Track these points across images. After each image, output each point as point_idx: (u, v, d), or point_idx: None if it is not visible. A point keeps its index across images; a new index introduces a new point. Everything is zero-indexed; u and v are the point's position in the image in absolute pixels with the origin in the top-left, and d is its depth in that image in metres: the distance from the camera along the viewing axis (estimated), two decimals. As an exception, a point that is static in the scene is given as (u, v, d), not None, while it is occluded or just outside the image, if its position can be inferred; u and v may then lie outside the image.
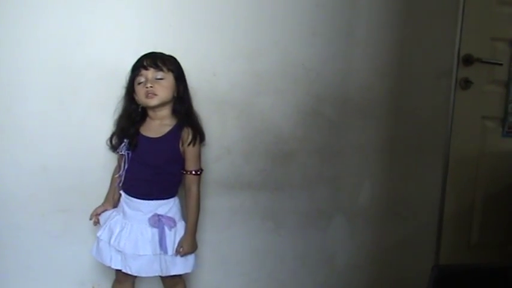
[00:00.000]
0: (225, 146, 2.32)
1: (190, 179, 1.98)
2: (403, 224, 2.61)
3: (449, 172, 2.67)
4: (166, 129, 1.96)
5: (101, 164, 2.17)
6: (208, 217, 2.28)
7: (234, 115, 2.33)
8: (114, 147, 2.03)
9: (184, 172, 1.98)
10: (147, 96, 1.91)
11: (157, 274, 1.96)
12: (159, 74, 1.93)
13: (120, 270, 1.98)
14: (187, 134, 1.95)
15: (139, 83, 1.94)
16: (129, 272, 1.94)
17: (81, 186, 2.19)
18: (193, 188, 1.98)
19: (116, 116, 2.03)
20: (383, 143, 2.55)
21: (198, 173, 1.99)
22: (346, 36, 2.45)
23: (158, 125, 1.97)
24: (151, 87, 1.91)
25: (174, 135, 1.95)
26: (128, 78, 1.99)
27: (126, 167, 1.95)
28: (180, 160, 1.97)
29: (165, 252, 1.92)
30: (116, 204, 2.06)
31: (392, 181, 2.58)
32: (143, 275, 1.96)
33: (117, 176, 2.01)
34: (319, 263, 2.52)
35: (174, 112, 1.98)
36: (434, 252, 2.69)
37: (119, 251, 1.93)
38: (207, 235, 2.27)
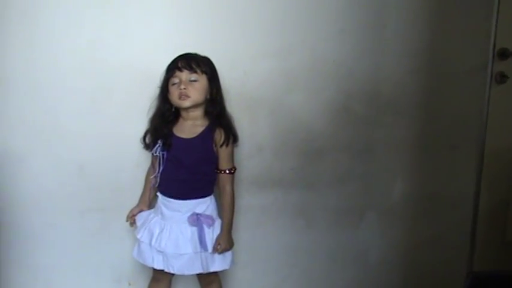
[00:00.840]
0: (256, 144, 2.34)
1: (224, 178, 2.01)
2: (436, 221, 2.58)
3: (484, 168, 2.63)
4: (199, 130, 1.99)
5: (135, 163, 2.23)
6: (240, 215, 2.30)
7: (264, 113, 2.34)
8: (147, 146, 2.07)
9: (218, 171, 2.01)
10: (180, 98, 1.95)
11: (198, 271, 2.00)
12: (193, 76, 1.96)
13: (160, 270, 2.03)
14: (219, 135, 1.98)
15: (173, 84, 1.98)
16: (172, 271, 1.98)
17: (116, 185, 2.25)
18: (228, 187, 2.02)
19: (150, 115, 2.08)
20: (415, 139, 2.52)
21: (232, 171, 2.02)
22: (377, 32, 2.43)
23: (191, 126, 2.00)
24: (184, 89, 1.94)
25: (206, 136, 1.98)
26: (162, 78, 2.03)
27: (161, 168, 1.99)
28: (214, 160, 2.00)
29: (205, 249, 1.96)
30: (151, 205, 2.11)
31: (424, 178, 2.56)
32: (186, 273, 1.99)
33: (152, 177, 2.05)
34: (350, 260, 2.52)
35: (207, 113, 2.01)
36: (468, 249, 2.65)
37: (160, 251, 1.98)
38: (239, 233, 2.29)
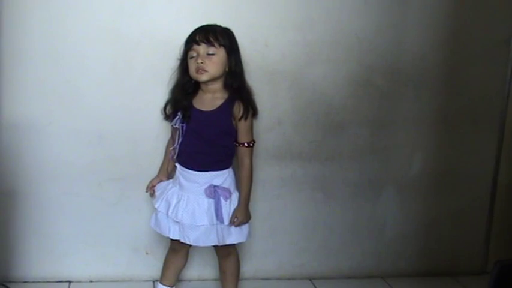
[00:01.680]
0: (276, 117, 2.33)
1: (242, 151, 2.00)
2: (455, 196, 2.57)
3: (504, 144, 2.60)
4: (218, 102, 1.97)
5: (154, 133, 2.23)
6: (258, 187, 2.31)
7: (285, 86, 2.32)
8: (167, 117, 2.06)
9: (237, 144, 2.00)
10: (197, 72, 1.93)
11: (214, 244, 2.00)
12: (211, 50, 1.93)
13: (177, 240, 2.04)
14: (238, 109, 1.96)
15: (191, 58, 1.95)
16: (188, 242, 1.99)
17: (135, 156, 2.26)
18: (246, 160, 2.00)
19: (171, 87, 2.06)
20: (436, 114, 2.49)
21: (251, 145, 2.00)
22: (400, 5, 2.38)
23: (210, 99, 1.98)
24: (201, 63, 1.92)
25: (225, 108, 1.96)
26: (181, 50, 2.00)
27: (180, 140, 1.98)
28: (233, 133, 1.98)
29: (221, 222, 1.96)
30: (170, 176, 2.10)
31: (444, 153, 2.53)
32: (201, 244, 2.00)
33: (171, 148, 2.04)
34: (368, 233, 2.52)
35: (226, 86, 1.98)
36: (486, 224, 2.64)
37: (177, 222, 1.98)
38: (258, 205, 2.30)
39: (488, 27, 2.49)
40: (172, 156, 2.04)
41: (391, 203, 2.51)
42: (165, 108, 2.07)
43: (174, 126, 2.00)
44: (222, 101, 1.97)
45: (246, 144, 2.00)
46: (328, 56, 2.34)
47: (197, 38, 1.93)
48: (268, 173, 2.35)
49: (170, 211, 1.98)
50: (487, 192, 2.62)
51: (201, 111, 1.97)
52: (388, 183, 2.50)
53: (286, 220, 2.43)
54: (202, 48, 1.93)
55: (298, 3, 2.28)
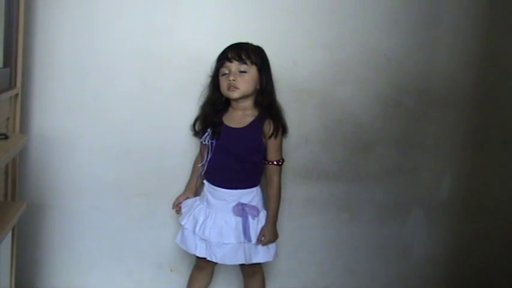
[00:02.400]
0: (304, 135, 2.31)
1: (271, 169, 1.99)
2: (484, 219, 2.51)
3: (535, 165, 2.56)
4: (249, 120, 1.97)
5: (181, 149, 2.23)
6: (284, 206, 2.27)
7: (313, 104, 2.31)
8: (196, 133, 2.07)
9: (266, 162, 1.99)
10: (229, 89, 1.94)
11: (241, 262, 1.98)
12: (243, 67, 1.94)
13: (203, 258, 2.02)
14: (268, 127, 1.96)
15: (222, 74, 1.96)
16: (214, 260, 1.97)
17: (162, 171, 2.26)
18: (275, 178, 2.00)
19: (201, 103, 2.07)
20: (465, 135, 2.46)
21: (280, 163, 2.00)
22: (430, 25, 2.37)
23: (241, 116, 1.99)
24: (233, 80, 1.92)
25: (255, 126, 1.96)
26: (213, 67, 2.01)
27: (209, 156, 1.98)
28: (262, 150, 1.98)
29: (249, 240, 1.95)
30: (197, 193, 2.10)
31: (473, 175, 2.49)
32: (227, 263, 1.99)
33: (200, 165, 2.04)
34: (394, 255, 2.47)
35: (257, 103, 1.99)
36: (516, 249, 2.59)
37: (204, 239, 1.97)
38: (283, 224, 2.28)
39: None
40: (201, 173, 2.04)
41: (418, 225, 2.47)
42: (194, 124, 2.08)
43: (204, 143, 2.00)
44: (253, 118, 1.97)
45: (275, 162, 1.99)
46: (356, 76, 2.33)
47: (229, 55, 1.95)
48: (294, 192, 2.33)
49: (197, 228, 1.97)
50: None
51: (231, 128, 1.97)
52: (415, 205, 2.46)
53: (311, 240, 2.41)
54: (234, 66, 1.94)
55: (328, 22, 2.28)
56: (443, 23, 2.37)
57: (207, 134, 1.99)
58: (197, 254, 2.01)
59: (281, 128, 1.98)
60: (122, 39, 2.16)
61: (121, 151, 2.22)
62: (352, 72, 2.32)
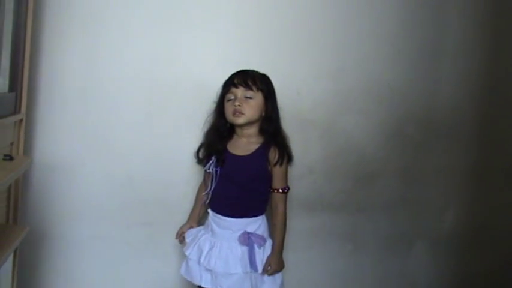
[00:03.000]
0: (307, 165, 2.30)
1: (277, 197, 1.97)
2: (490, 254, 2.49)
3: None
4: (254, 147, 1.96)
5: (185, 178, 2.22)
6: (288, 237, 2.21)
7: (317, 134, 2.31)
8: (200, 161, 2.04)
9: (271, 190, 1.97)
10: (234, 115, 1.93)
11: None
12: (249, 93, 1.93)
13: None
14: (274, 154, 1.94)
15: (228, 100, 1.96)
16: None
17: (165, 200, 2.23)
18: (280, 206, 1.97)
19: (205, 130, 2.05)
20: (470, 167, 2.46)
21: (285, 191, 1.98)
22: (433, 57, 2.40)
23: (245, 143, 1.97)
24: (239, 105, 1.92)
25: (260, 154, 1.95)
26: (218, 93, 2.01)
27: (213, 185, 1.96)
28: (267, 178, 1.96)
29: (255, 270, 1.90)
30: (200, 222, 2.08)
31: (478, 207, 2.48)
32: None
33: (204, 193, 2.02)
34: (399, 289, 2.44)
35: (262, 131, 1.98)
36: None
37: (209, 269, 1.93)
38: (286, 255, 2.20)
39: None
40: (205, 202, 2.01)
41: (423, 258, 2.45)
42: (198, 151, 2.06)
43: (208, 171, 1.98)
44: (257, 145, 1.96)
45: (280, 190, 1.97)
46: (360, 106, 2.34)
47: (235, 81, 1.95)
48: (298, 223, 2.30)
49: (202, 258, 1.94)
50: (523, 250, 2.54)
51: (236, 155, 1.96)
52: (419, 237, 2.44)
53: (314, 272, 2.37)
54: (240, 91, 1.94)
55: (331, 52, 2.30)
56: (446, 54, 2.40)
57: (211, 162, 1.97)
58: (202, 285, 1.97)
59: (286, 156, 1.97)
60: (127, 67, 2.17)
61: (124, 179, 2.20)
62: (356, 102, 2.33)
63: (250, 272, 1.91)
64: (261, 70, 2.05)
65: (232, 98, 1.95)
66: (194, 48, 2.21)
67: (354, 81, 2.33)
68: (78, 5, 2.12)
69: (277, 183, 1.97)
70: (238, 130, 1.99)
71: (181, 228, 2.09)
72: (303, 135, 2.29)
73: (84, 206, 2.19)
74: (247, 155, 1.95)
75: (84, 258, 2.22)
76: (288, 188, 1.99)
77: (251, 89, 1.94)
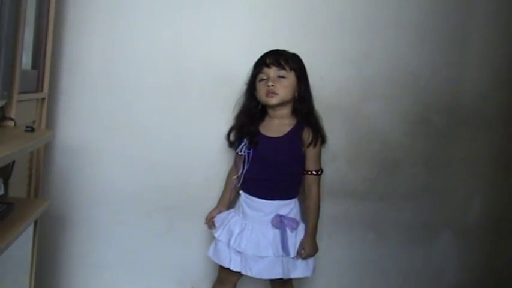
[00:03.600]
0: (330, 152, 2.24)
1: (310, 179, 1.93)
2: (516, 244, 2.44)
3: None
4: (287, 128, 1.92)
5: (206, 164, 2.20)
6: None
7: (340, 120, 2.28)
8: (231, 144, 2.01)
9: (305, 172, 1.93)
10: (267, 95, 1.89)
11: (279, 277, 1.88)
12: (281, 73, 1.90)
13: (224, 271, 1.96)
14: (307, 135, 1.90)
15: (260, 80, 1.92)
16: (250, 274, 1.88)
17: (186, 186, 2.21)
18: (314, 188, 1.93)
19: (236, 112, 2.01)
20: (495, 155, 2.41)
21: (319, 173, 1.94)
22: (458, 44, 2.35)
23: (278, 125, 1.93)
24: (272, 85, 1.88)
25: (294, 135, 1.91)
26: (249, 74, 1.97)
27: (246, 167, 1.92)
28: (301, 160, 1.92)
29: (287, 254, 1.86)
30: (230, 206, 2.04)
31: (503, 196, 2.42)
32: (264, 277, 1.90)
33: (235, 177, 1.97)
34: (423, 279, 2.39)
35: (295, 112, 1.94)
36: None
37: (239, 252, 1.88)
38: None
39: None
40: (236, 185, 1.98)
41: (448, 248, 2.39)
42: (228, 134, 2.02)
43: (240, 153, 1.94)
44: (290, 127, 1.92)
45: (314, 172, 1.94)
46: (384, 92, 2.30)
47: (268, 61, 1.91)
48: (321, 210, 2.26)
49: (232, 241, 1.90)
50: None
51: (269, 137, 1.92)
52: (444, 227, 2.38)
53: (337, 260, 2.33)
54: (272, 71, 1.90)
55: (355, 38, 2.27)
56: (472, 41, 2.35)
57: (243, 144, 1.92)
58: (231, 268, 1.91)
59: (320, 137, 1.93)
60: (150, 51, 2.16)
61: (145, 164, 2.18)
62: (379, 88, 2.30)
63: (282, 256, 1.87)
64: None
65: (265, 78, 1.91)
66: (217, 34, 2.19)
67: (378, 68, 2.29)
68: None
69: (310, 165, 1.93)
70: (270, 111, 1.95)
71: (210, 213, 2.05)
72: (325, 121, 2.19)
73: (104, 190, 2.18)
74: (281, 137, 1.91)
75: (105, 244, 2.21)
76: (322, 170, 1.96)
77: (284, 69, 1.90)
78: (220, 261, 1.94)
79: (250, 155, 1.91)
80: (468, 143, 2.37)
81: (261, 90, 1.91)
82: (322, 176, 1.99)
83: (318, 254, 2.26)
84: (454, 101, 2.36)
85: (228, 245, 1.90)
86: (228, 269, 1.92)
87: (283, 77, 1.90)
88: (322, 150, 1.98)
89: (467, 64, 2.36)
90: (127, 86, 2.16)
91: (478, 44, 2.35)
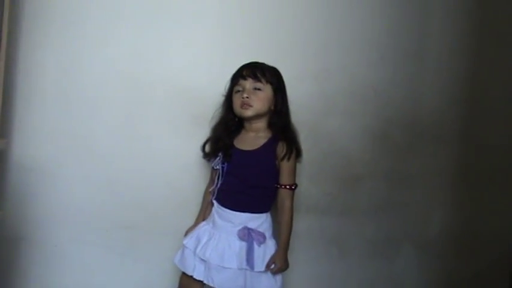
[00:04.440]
0: (292, 168, 2.26)
1: (284, 193, 1.91)
2: (475, 258, 2.46)
3: (525, 203, 2.52)
4: (261, 142, 1.90)
5: (166, 181, 2.17)
6: (272, 240, 2.22)
7: (301, 136, 2.23)
8: (206, 155, 1.98)
9: (278, 186, 1.91)
10: (242, 107, 1.88)
11: None
12: (257, 85, 1.89)
13: (185, 279, 1.94)
14: (282, 148, 1.88)
15: (236, 92, 1.91)
16: (211, 284, 1.86)
17: (145, 203, 2.18)
18: (287, 203, 1.91)
19: (213, 124, 1.99)
20: (455, 170, 2.43)
21: (293, 187, 1.92)
22: (416, 60, 2.38)
23: (253, 138, 1.92)
24: (247, 97, 1.87)
25: (269, 148, 1.89)
26: (227, 86, 1.97)
27: (220, 181, 1.91)
28: (275, 174, 1.90)
29: (251, 268, 1.83)
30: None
31: (464, 211, 2.45)
32: None
33: (210, 190, 1.97)
34: (386, 295, 2.40)
35: (271, 125, 1.93)
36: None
37: (203, 260, 1.87)
38: (270, 259, 2.20)
39: (506, 84, 2.48)
40: (211, 199, 1.96)
41: (409, 262, 2.41)
42: (204, 145, 1.99)
43: (215, 168, 1.93)
44: (265, 140, 1.91)
45: (287, 187, 1.91)
46: (344, 108, 2.31)
47: (244, 73, 1.91)
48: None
49: (198, 249, 1.88)
50: (508, 255, 2.51)
51: (242, 150, 1.91)
52: (406, 241, 2.40)
53: (300, 276, 2.31)
54: (248, 83, 1.90)
55: (315, 54, 2.28)
56: (429, 57, 2.39)
57: (218, 158, 1.91)
58: (195, 276, 1.89)
59: (295, 151, 1.91)
60: (108, 66, 2.13)
61: (103, 182, 2.14)
62: (340, 104, 2.31)
63: (246, 270, 1.84)
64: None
65: (241, 89, 1.90)
66: (177, 49, 2.18)
67: (338, 84, 2.30)
68: (59, 1, 2.08)
69: (284, 179, 1.90)
70: (246, 124, 1.94)
71: (187, 231, 2.02)
72: None
73: (62, 209, 2.13)
74: (255, 150, 1.90)
75: (63, 265, 2.16)
76: (296, 185, 1.93)
77: (260, 81, 1.89)
78: (184, 268, 1.92)
79: (225, 168, 1.89)
80: (428, 157, 2.39)
81: (237, 102, 1.90)
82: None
83: (281, 270, 2.27)
84: (414, 115, 2.38)
85: (194, 252, 1.89)
86: (191, 277, 1.90)
87: (259, 89, 1.89)
88: (298, 165, 1.96)
89: (425, 79, 2.39)
90: (85, 103, 2.12)
91: (436, 61, 2.39)
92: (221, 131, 1.95)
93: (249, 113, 1.88)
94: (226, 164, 1.90)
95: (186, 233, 2.01)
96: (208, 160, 1.97)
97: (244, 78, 1.90)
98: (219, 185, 1.92)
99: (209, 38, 2.20)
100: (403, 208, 2.38)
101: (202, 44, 2.19)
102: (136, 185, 2.17)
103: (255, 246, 1.85)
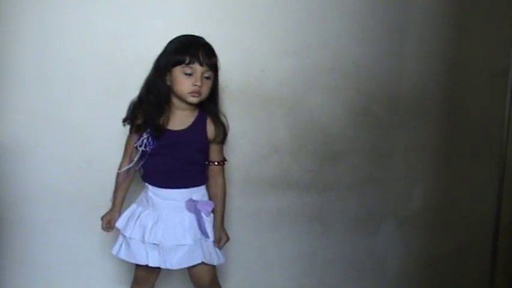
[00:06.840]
0: (273, 145, 2.25)
1: (215, 169, 1.88)
2: (457, 231, 2.49)
3: (506, 178, 2.54)
4: (190, 120, 1.82)
5: (146, 159, 2.13)
6: (253, 218, 2.22)
7: (282, 112, 2.26)
8: (130, 126, 1.86)
9: (209, 163, 1.87)
10: (191, 94, 1.77)
11: (200, 261, 1.82)
12: (208, 74, 1.78)
13: (141, 271, 1.91)
14: (213, 130, 1.83)
15: (185, 73, 1.77)
16: (169, 267, 1.81)
17: (125, 183, 2.14)
18: (220, 178, 1.88)
19: (142, 95, 1.84)
20: (435, 145, 2.45)
21: (222, 163, 1.88)
22: (398, 34, 2.37)
23: (180, 116, 1.82)
24: (200, 86, 1.76)
25: (199, 126, 1.83)
26: (168, 55, 1.80)
27: (144, 160, 1.82)
28: (206, 149, 1.85)
29: (206, 236, 1.81)
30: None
31: (445, 185, 2.47)
32: (185, 265, 1.82)
33: (125, 169, 1.88)
34: (368, 269, 2.41)
35: (200, 103, 1.83)
36: (489, 261, 2.54)
37: (156, 245, 1.81)
38: (252, 237, 2.20)
39: (486, 59, 2.50)
40: (127, 177, 1.90)
41: (391, 237, 2.42)
42: (126, 120, 1.88)
43: (140, 149, 1.82)
44: (193, 118, 1.83)
45: (217, 163, 1.87)
46: (326, 84, 2.30)
47: (201, 57, 1.77)
48: (264, 203, 2.26)
49: (147, 235, 1.81)
50: (490, 228, 2.54)
51: (173, 131, 1.81)
52: (388, 216, 2.41)
53: (282, 253, 2.32)
54: (202, 71, 1.76)
55: (296, 29, 2.25)
56: (410, 31, 2.39)
57: (143, 138, 1.81)
58: (150, 264, 1.83)
59: (222, 127, 1.84)
60: (84, 44, 2.07)
61: (82, 161, 2.11)
62: (321, 80, 2.29)
63: (201, 239, 1.82)
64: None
65: (190, 73, 1.76)
66: (152, 24, 2.13)
67: (320, 59, 2.28)
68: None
69: (215, 156, 1.87)
70: (177, 102, 1.82)
71: (106, 216, 1.93)
72: (267, 113, 2.24)
73: (41, 189, 2.10)
74: (184, 129, 1.81)
75: (43, 244, 2.13)
76: (225, 160, 1.89)
77: (211, 70, 1.79)
78: (136, 260, 1.85)
79: (151, 147, 1.81)
80: (409, 132, 2.40)
81: (185, 86, 1.77)
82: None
83: (264, 246, 2.28)
84: (395, 91, 2.38)
85: (143, 240, 1.82)
86: (146, 266, 1.85)
87: (208, 77, 1.79)
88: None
89: (407, 54, 2.39)
90: (60, 81, 2.07)
91: (415, 33, 2.39)
92: (152, 110, 1.81)
93: (196, 100, 1.78)
94: (153, 142, 1.80)
95: (106, 221, 1.93)
96: (135, 141, 1.84)
97: (201, 64, 1.76)
98: (146, 165, 1.84)
99: (187, 15, 2.16)
100: (384, 183, 2.39)
101: (180, 21, 2.15)
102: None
103: (204, 216, 1.82)
